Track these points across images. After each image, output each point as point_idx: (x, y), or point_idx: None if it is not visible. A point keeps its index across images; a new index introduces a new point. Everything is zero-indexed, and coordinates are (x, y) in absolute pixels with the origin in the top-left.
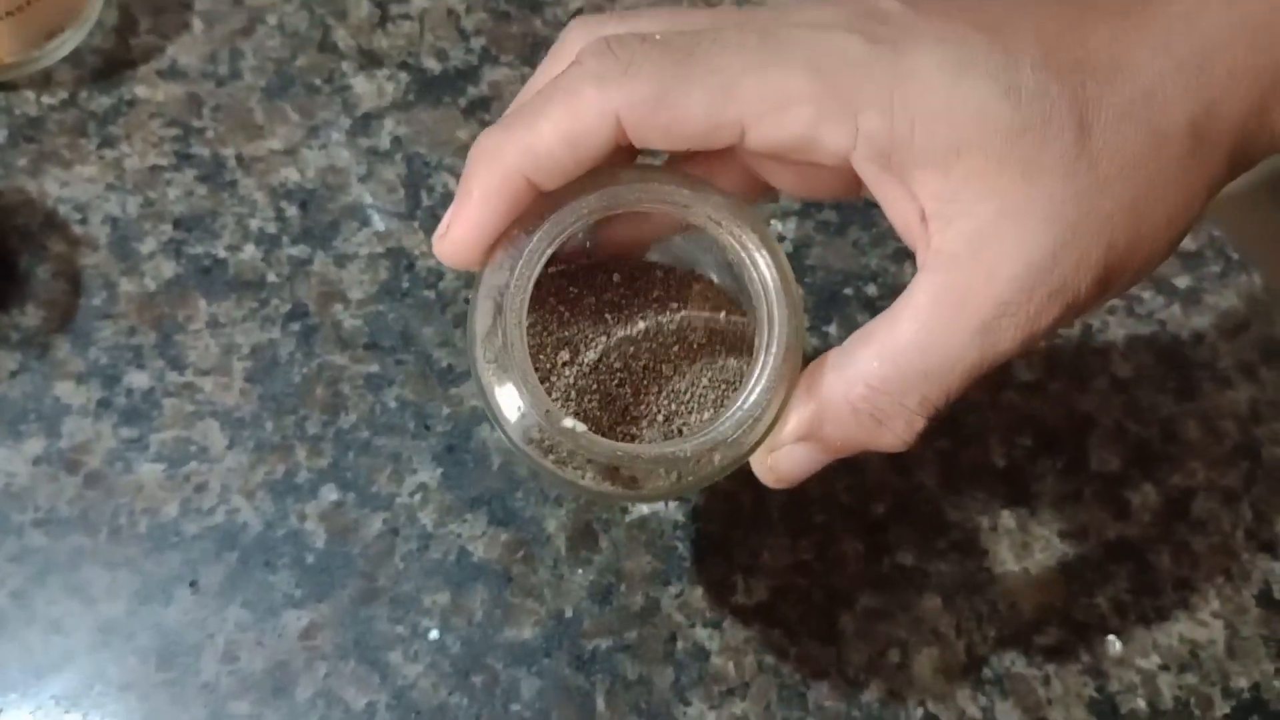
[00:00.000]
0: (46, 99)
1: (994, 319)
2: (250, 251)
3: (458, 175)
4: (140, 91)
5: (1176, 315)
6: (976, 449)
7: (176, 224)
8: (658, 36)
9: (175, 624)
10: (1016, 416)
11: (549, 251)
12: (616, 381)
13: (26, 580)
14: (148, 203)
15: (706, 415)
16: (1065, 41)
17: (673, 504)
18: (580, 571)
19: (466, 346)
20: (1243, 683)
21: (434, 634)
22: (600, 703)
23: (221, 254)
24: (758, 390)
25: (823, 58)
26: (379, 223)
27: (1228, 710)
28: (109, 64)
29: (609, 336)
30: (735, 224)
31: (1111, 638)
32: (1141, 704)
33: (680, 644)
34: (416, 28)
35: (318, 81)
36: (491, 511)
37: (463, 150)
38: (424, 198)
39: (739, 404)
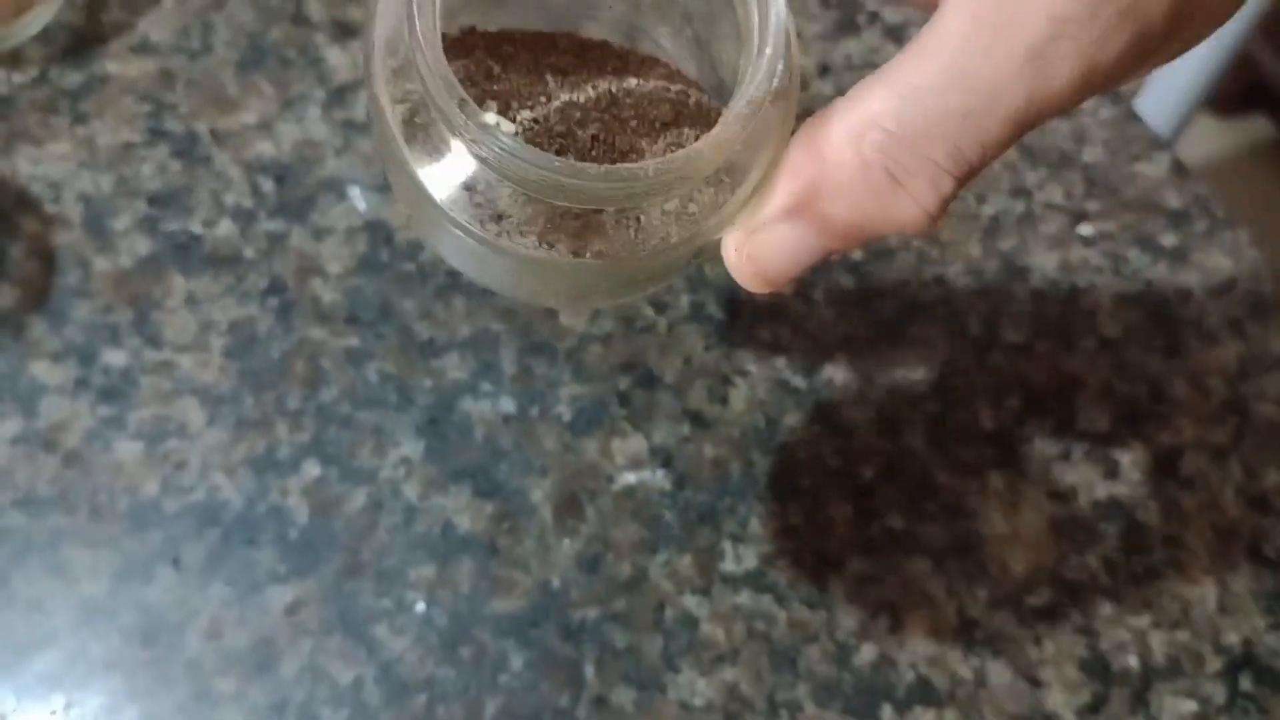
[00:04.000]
0: (17, 77)
1: (1048, 40)
2: (226, 227)
3: None
4: (112, 68)
5: (1163, 274)
6: (964, 411)
7: (151, 201)
8: None
9: (158, 602)
10: (1004, 378)
11: None
12: (556, 148)
13: (6, 561)
14: (121, 180)
15: None
16: None
17: (659, 472)
18: (567, 541)
19: (363, 68)
20: (1234, 639)
21: (420, 607)
22: (589, 672)
23: (197, 230)
24: (746, 98)
25: None
26: (357, 196)
27: (1219, 666)
28: (80, 40)
29: (550, 99)
30: None
31: None
32: (1133, 662)
33: (669, 612)
34: None
35: (291, 54)
36: (476, 483)
37: None
38: None
39: (725, 120)
